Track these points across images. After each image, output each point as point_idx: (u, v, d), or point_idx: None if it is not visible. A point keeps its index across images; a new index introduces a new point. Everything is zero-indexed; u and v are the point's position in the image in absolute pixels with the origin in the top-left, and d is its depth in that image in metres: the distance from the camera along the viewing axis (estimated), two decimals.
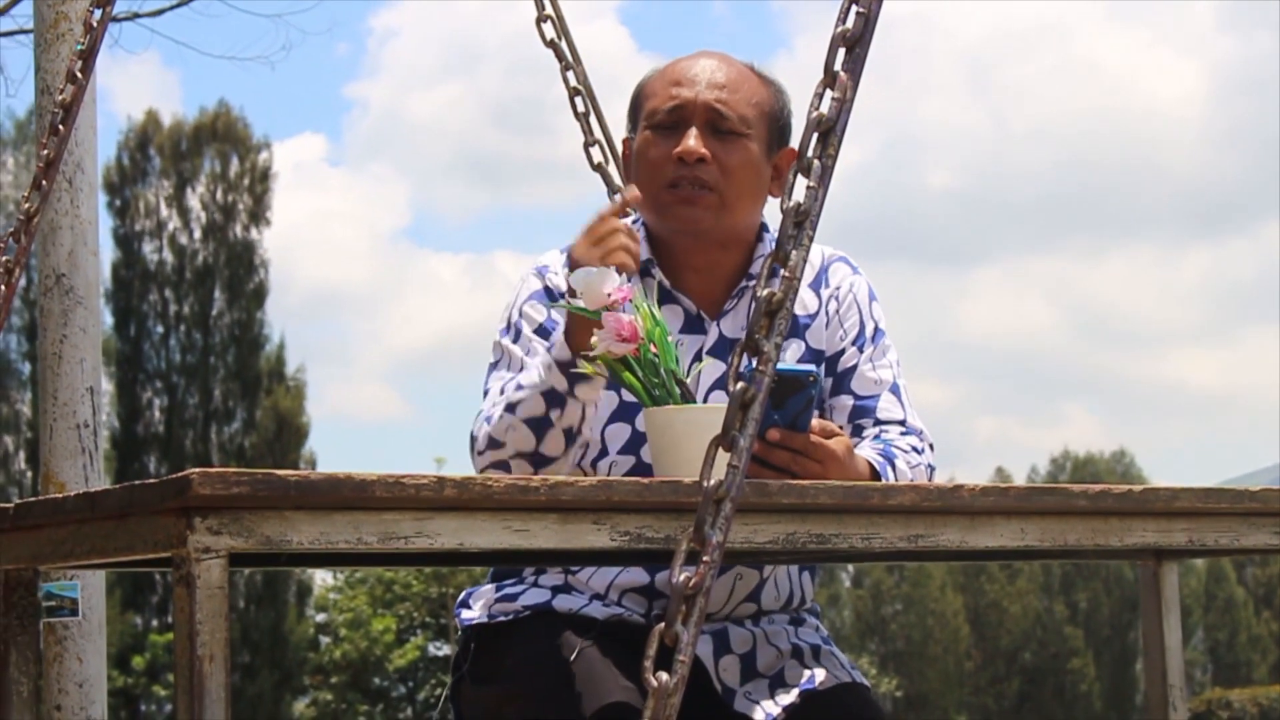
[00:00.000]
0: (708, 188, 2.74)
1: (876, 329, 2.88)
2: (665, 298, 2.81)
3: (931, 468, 2.80)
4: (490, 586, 2.84)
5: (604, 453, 2.76)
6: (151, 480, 1.89)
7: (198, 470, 1.83)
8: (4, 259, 2.89)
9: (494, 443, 2.63)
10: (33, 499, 2.16)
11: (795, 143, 2.63)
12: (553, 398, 2.59)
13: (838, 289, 2.88)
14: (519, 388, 2.62)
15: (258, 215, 38.00)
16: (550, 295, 2.79)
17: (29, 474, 34.79)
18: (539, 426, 2.60)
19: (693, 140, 2.74)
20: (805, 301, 2.86)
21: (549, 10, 3.94)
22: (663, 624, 1.82)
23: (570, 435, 2.62)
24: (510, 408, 2.61)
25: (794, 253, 1.87)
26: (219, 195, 37.79)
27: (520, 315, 2.79)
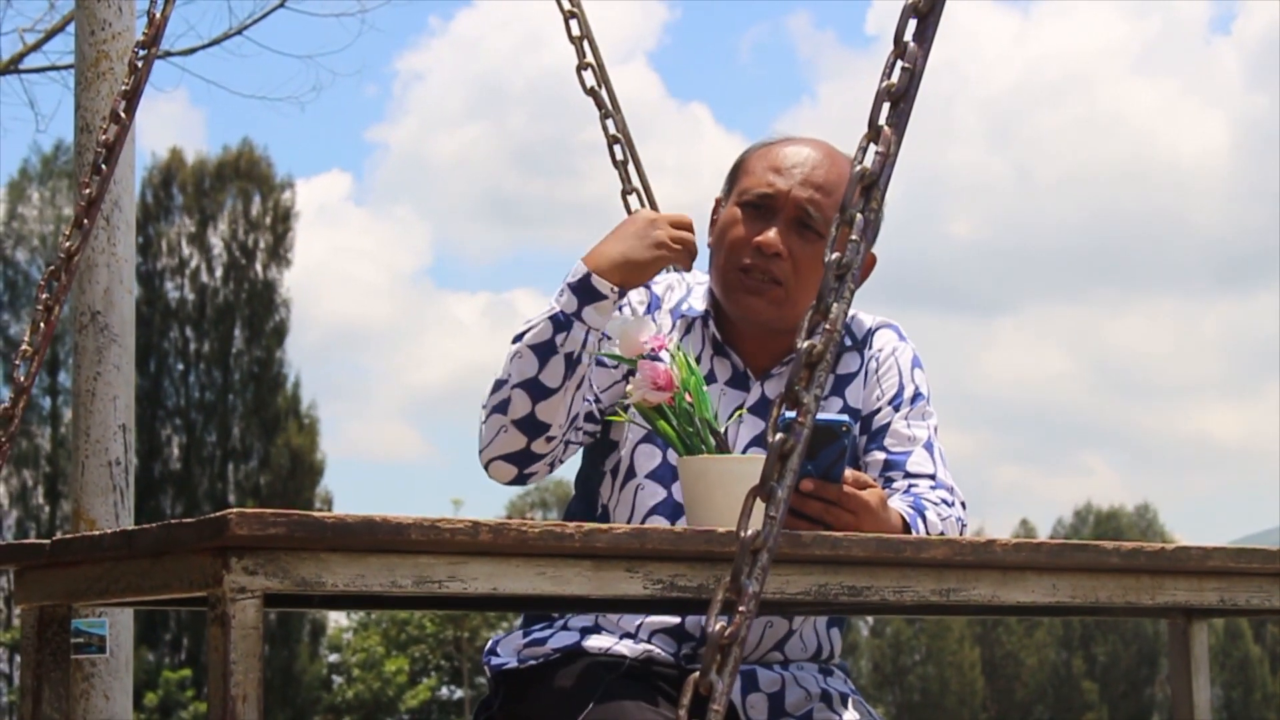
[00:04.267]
0: (776, 281, 2.78)
1: (916, 393, 2.89)
2: (718, 349, 2.87)
3: (963, 522, 2.81)
4: (519, 633, 2.85)
5: (631, 474, 2.80)
6: (189, 519, 1.90)
7: (235, 510, 1.84)
8: (44, 297, 2.90)
9: (499, 383, 2.71)
10: (70, 536, 2.17)
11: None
12: (559, 322, 2.67)
13: (880, 351, 2.91)
14: (527, 321, 2.71)
15: (279, 255, 38.12)
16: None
17: (47, 508, 34.82)
18: (543, 351, 2.67)
19: (773, 233, 2.78)
20: (848, 360, 2.89)
21: (589, 58, 3.96)
22: (697, 673, 1.82)
23: (571, 363, 2.67)
24: (518, 337, 2.70)
25: (835, 305, 1.87)
26: (240, 234, 37.91)
27: None
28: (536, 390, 2.68)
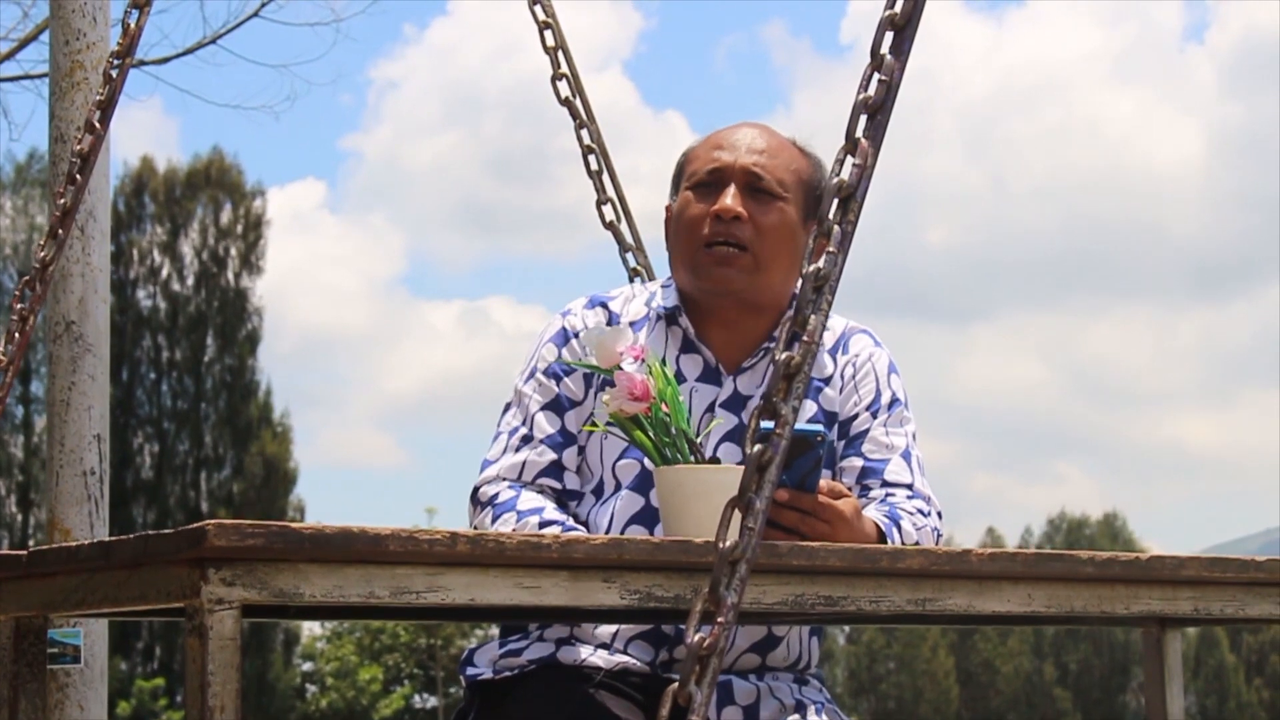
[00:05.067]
0: (742, 247, 2.80)
1: (894, 399, 2.91)
2: (687, 346, 2.88)
3: (938, 532, 2.82)
4: (494, 643, 2.85)
5: (616, 489, 2.81)
6: (166, 530, 1.90)
7: (213, 521, 1.84)
8: (19, 307, 2.90)
9: (481, 514, 2.74)
10: (46, 547, 2.17)
11: None
12: None
13: (856, 356, 2.92)
14: (544, 522, 2.70)
15: (250, 262, 38.02)
16: (567, 336, 2.86)
17: (19, 517, 34.69)
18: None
19: (730, 199, 2.81)
20: (822, 365, 2.90)
21: (564, 68, 3.97)
22: (676, 683, 1.83)
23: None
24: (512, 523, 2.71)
25: (813, 317, 1.88)
26: (211, 242, 37.81)
27: (537, 357, 2.88)
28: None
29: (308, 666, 39.15)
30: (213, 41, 12.86)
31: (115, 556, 1.98)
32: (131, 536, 1.95)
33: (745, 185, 2.83)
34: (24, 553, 2.16)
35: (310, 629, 38.74)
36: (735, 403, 2.85)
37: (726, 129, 2.91)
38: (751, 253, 2.80)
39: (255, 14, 12.99)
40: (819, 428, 2.50)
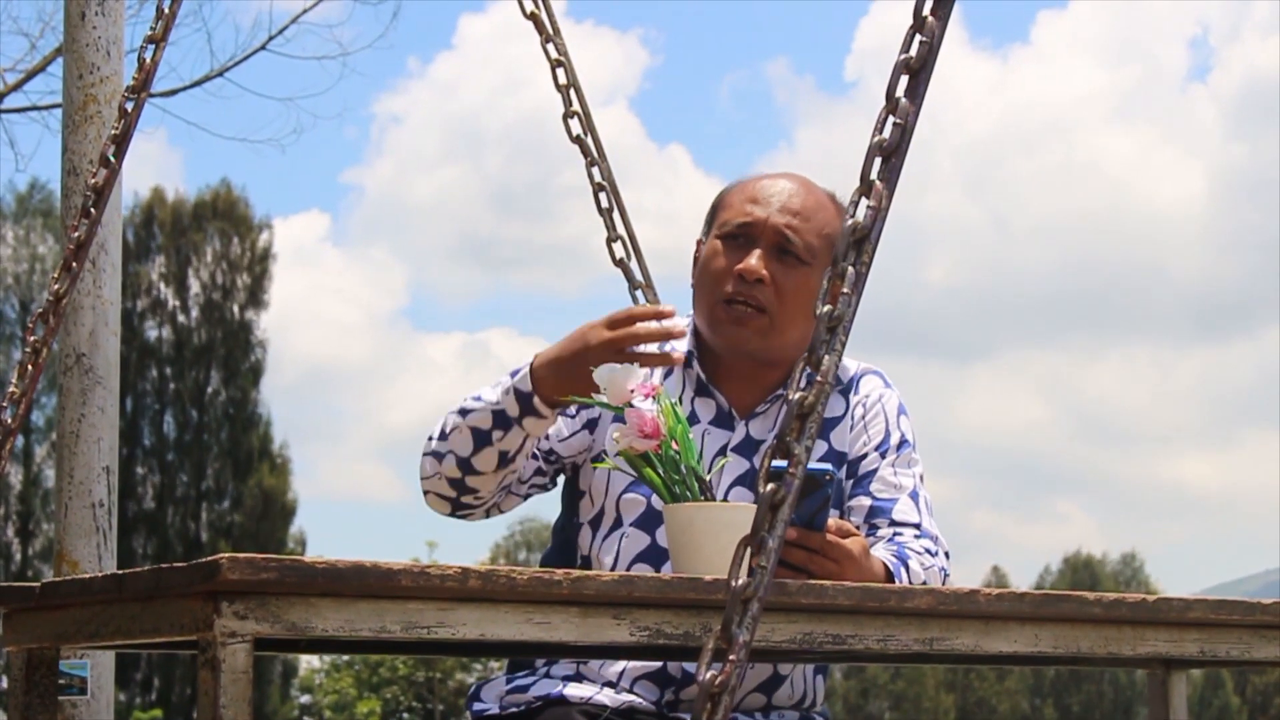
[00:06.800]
0: (760, 309, 2.80)
1: (903, 440, 2.91)
2: (701, 390, 2.89)
3: (945, 572, 2.83)
4: (502, 678, 2.86)
5: (618, 523, 2.80)
6: (180, 564, 1.91)
7: (227, 555, 1.85)
8: (32, 339, 2.91)
9: (442, 435, 2.76)
10: (59, 579, 2.18)
11: None
12: (501, 419, 2.69)
13: (867, 396, 2.93)
14: (476, 398, 2.73)
15: (256, 296, 38.05)
16: None
17: (18, 544, 34.65)
18: (479, 438, 2.72)
19: (755, 260, 2.80)
20: (833, 404, 2.90)
21: (575, 106, 3.98)
22: None
23: (504, 459, 2.72)
24: (462, 412, 2.73)
25: (826, 357, 1.89)
26: (218, 275, 37.85)
27: None
28: (466, 467, 2.75)
29: (305, 699, 39.06)
30: (220, 74, 12.92)
31: (128, 589, 1.99)
32: (145, 569, 1.96)
33: (773, 246, 2.81)
34: (37, 585, 2.17)
35: (309, 661, 38.67)
36: (747, 447, 2.86)
37: (765, 180, 2.88)
38: (769, 315, 2.80)
39: (262, 47, 13.06)
40: (827, 466, 2.51)
